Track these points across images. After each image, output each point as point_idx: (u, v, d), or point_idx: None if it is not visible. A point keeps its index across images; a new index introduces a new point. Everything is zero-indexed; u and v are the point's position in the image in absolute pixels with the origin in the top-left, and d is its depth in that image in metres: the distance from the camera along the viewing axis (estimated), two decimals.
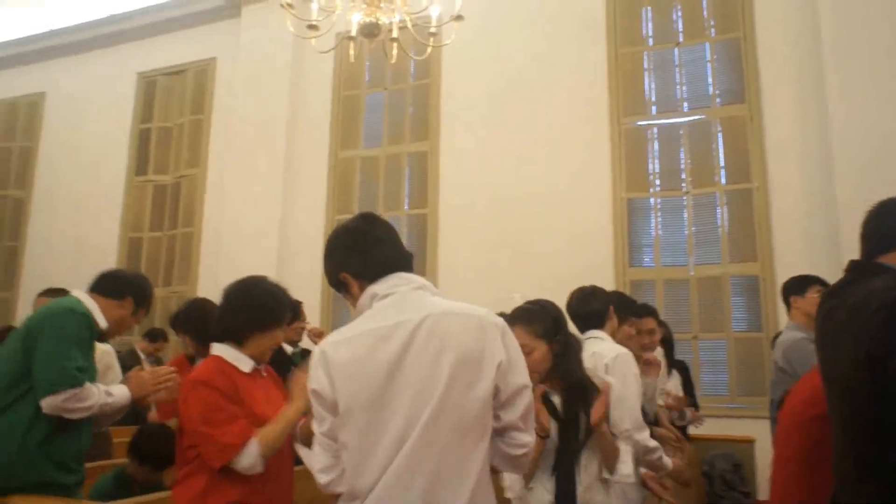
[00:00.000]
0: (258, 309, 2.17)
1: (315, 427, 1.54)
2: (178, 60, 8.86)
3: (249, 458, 1.92)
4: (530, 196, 6.57)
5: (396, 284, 1.56)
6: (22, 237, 9.40)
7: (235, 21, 8.35)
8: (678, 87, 6.44)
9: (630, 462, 2.23)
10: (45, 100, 9.75)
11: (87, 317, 2.34)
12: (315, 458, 1.53)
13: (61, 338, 2.26)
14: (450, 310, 1.53)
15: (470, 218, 6.77)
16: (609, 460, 2.20)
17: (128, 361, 4.86)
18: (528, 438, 1.56)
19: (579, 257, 6.17)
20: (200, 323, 2.75)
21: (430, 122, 7.18)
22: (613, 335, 2.78)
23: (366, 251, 1.61)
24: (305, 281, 7.22)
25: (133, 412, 2.89)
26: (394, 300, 1.54)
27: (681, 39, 6.47)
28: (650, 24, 6.62)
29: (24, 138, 9.79)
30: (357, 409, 1.45)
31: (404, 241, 6.19)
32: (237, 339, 2.13)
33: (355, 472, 1.44)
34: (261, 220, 7.44)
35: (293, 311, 2.31)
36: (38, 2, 9.54)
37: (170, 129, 8.74)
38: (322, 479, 1.52)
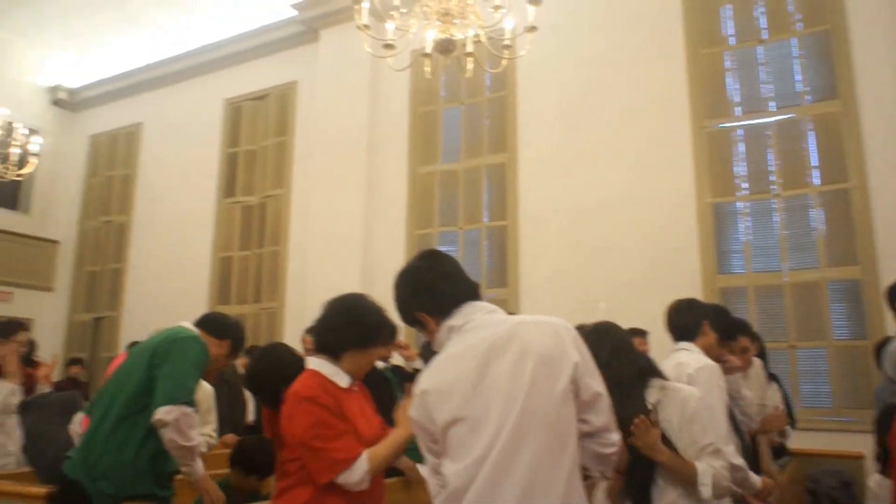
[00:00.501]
0: (359, 326, 2.20)
1: (425, 455, 1.63)
2: (261, 86, 9.22)
3: (358, 473, 1.97)
4: (611, 203, 6.44)
5: (470, 313, 1.66)
6: (125, 259, 9.98)
7: (314, 45, 8.63)
8: (763, 85, 6.20)
9: (709, 483, 2.05)
10: (142, 130, 10.35)
11: (206, 347, 2.48)
12: (430, 486, 1.61)
13: (187, 360, 2.43)
14: (525, 320, 1.64)
15: (550, 227, 6.70)
16: (686, 484, 2.06)
17: (229, 378, 5.00)
18: (617, 437, 1.67)
19: (664, 264, 6.01)
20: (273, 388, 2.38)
21: (506, 134, 7.18)
22: (708, 351, 2.68)
23: (433, 288, 1.71)
24: (386, 295, 7.34)
25: None
26: (472, 327, 1.63)
27: (764, 36, 6.23)
28: (730, 23, 6.41)
29: (124, 167, 10.42)
30: (453, 423, 1.52)
31: (484, 253, 6.21)
32: (334, 353, 2.17)
33: (454, 477, 1.50)
34: (344, 237, 7.61)
35: (391, 331, 2.33)
36: (134, 39, 10.14)
37: (255, 151, 9.09)
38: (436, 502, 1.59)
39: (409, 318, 1.76)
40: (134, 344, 4.35)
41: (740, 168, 6.14)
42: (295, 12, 8.56)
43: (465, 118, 7.57)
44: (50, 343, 10.05)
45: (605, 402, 1.63)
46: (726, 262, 6.06)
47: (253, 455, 2.90)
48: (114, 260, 10.14)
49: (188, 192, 9.49)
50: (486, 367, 1.53)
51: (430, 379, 1.60)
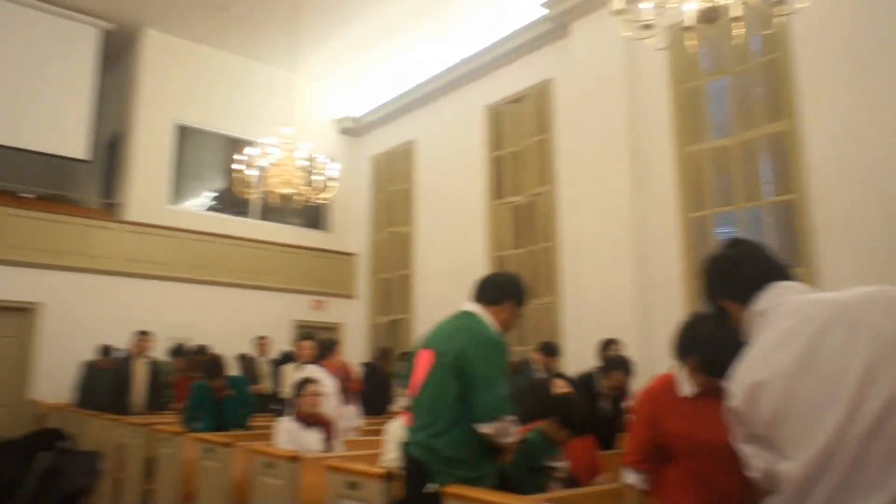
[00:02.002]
0: None
1: (741, 443, 1.54)
2: (517, 88, 9.53)
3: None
4: None
5: (777, 296, 1.57)
6: (411, 265, 10.98)
7: (564, 41, 8.69)
8: None
9: None
10: (415, 145, 11.30)
11: (506, 346, 2.63)
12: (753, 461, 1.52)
13: (496, 368, 2.54)
14: (860, 295, 1.47)
15: (851, 198, 5.92)
16: None
17: (523, 369, 5.23)
18: None
19: None
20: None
21: (784, 100, 6.53)
22: None
23: (731, 276, 1.68)
24: (662, 283, 7.12)
25: None
26: (782, 310, 1.53)
27: None
28: None
29: (403, 181, 11.47)
30: (786, 414, 1.42)
31: (768, 232, 5.68)
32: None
33: (795, 471, 1.39)
34: (614, 227, 7.55)
35: None
36: (403, 65, 11.13)
37: (518, 152, 9.41)
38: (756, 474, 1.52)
39: (716, 308, 1.73)
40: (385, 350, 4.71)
41: None
42: (544, 11, 8.70)
43: (732, 89, 7.04)
44: (356, 343, 11.45)
45: None
46: None
47: (572, 411, 3.05)
48: (401, 267, 11.20)
49: (460, 197, 10.14)
50: (818, 350, 1.42)
51: (756, 369, 1.49)
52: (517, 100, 9.54)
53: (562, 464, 3.05)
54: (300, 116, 10.52)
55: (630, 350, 5.90)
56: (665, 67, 7.48)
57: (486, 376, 2.50)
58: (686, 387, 2.24)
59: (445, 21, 10.00)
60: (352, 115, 12.59)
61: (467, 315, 2.72)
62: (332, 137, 12.54)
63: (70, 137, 10.39)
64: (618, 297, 7.35)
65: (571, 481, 3.14)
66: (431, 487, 2.49)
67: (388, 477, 2.90)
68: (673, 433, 2.22)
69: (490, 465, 2.57)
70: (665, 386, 2.32)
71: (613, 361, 4.87)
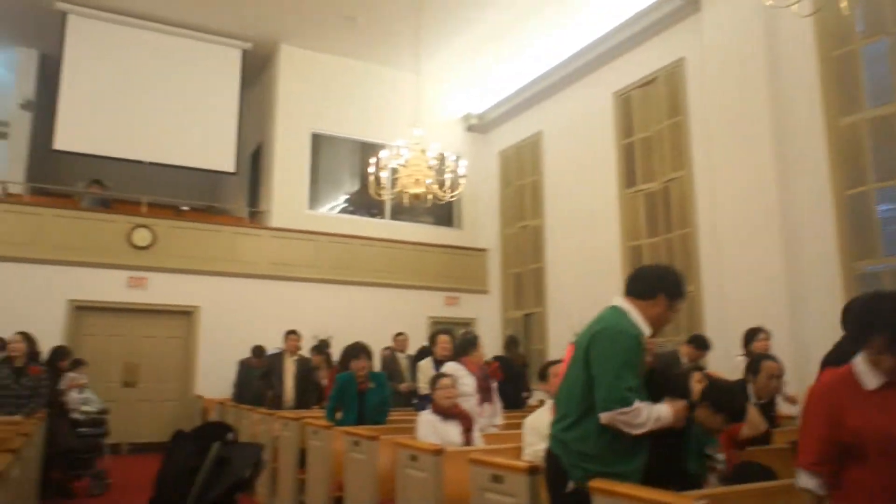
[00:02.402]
0: None
1: None
2: (647, 71, 9.17)
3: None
4: None
5: None
6: (543, 258, 10.89)
7: (696, 17, 8.26)
8: None
9: None
10: (542, 137, 11.19)
11: (636, 338, 2.51)
12: None
13: (613, 358, 2.44)
14: None
15: None
16: None
17: (670, 361, 5.01)
18: None
19: None
20: None
21: None
22: None
23: None
24: (815, 268, 6.61)
25: None
26: None
27: None
28: None
29: (531, 174, 11.39)
30: None
31: None
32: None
33: None
34: (757, 209, 7.08)
35: None
36: (526, 58, 11.06)
37: (650, 137, 9.06)
38: None
39: None
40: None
41: None
42: None
43: (894, 51, 6.40)
44: (490, 338, 11.49)
45: None
46: None
47: (726, 397, 2.91)
48: (533, 260, 11.13)
49: (590, 187, 9.92)
50: None
51: None
52: (647, 83, 9.20)
53: (721, 456, 2.88)
54: (427, 117, 10.72)
55: (779, 341, 5.52)
56: (811, 35, 6.93)
57: (603, 366, 2.44)
58: (871, 377, 2.01)
59: (567, 9, 9.82)
60: (476, 112, 12.67)
61: (611, 309, 2.64)
62: (459, 135, 12.68)
63: (219, 152, 11.20)
64: (764, 284, 6.89)
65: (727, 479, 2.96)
66: (570, 485, 2.45)
67: (533, 471, 2.88)
68: (859, 429, 1.99)
69: (631, 462, 2.46)
70: (844, 378, 2.10)
71: (757, 360, 4.42)
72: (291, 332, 7.62)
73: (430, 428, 4.21)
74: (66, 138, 10.27)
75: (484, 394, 5.14)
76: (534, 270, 11.12)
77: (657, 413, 2.43)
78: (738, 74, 7.48)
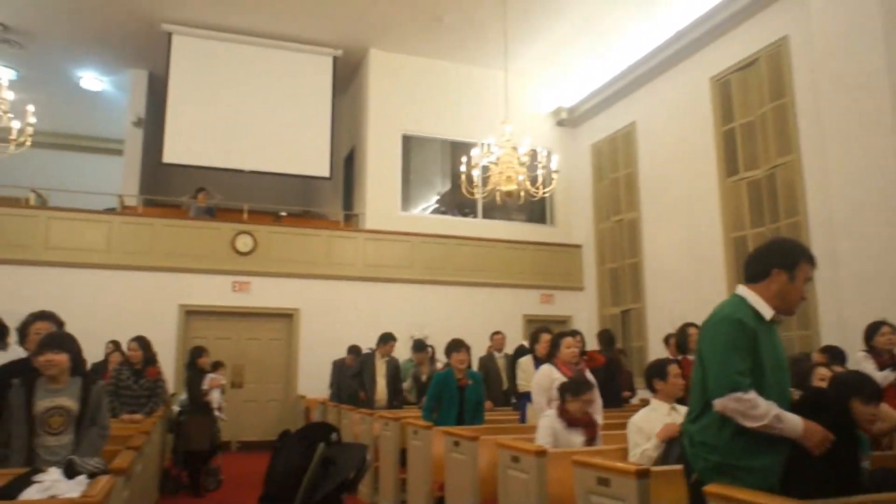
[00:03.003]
0: None
1: None
2: (746, 53, 8.72)
3: None
4: None
5: None
6: (640, 253, 10.57)
7: None
8: None
9: None
10: (636, 128, 10.86)
11: (738, 322, 2.38)
12: None
13: (718, 345, 2.38)
14: None
15: None
16: None
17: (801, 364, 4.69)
18: None
19: None
20: None
21: None
22: None
23: None
24: None
25: None
26: None
27: None
28: None
29: (625, 166, 11.08)
30: None
31: None
32: None
33: None
34: (879, 194, 6.56)
35: None
36: (615, 49, 10.76)
37: (752, 123, 8.61)
38: None
39: None
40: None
41: None
42: None
43: None
44: (586, 336, 11.25)
45: None
46: None
47: (859, 379, 2.82)
48: (630, 255, 10.82)
49: (689, 177, 9.54)
50: None
51: None
52: (746, 65, 8.74)
53: (866, 464, 2.63)
54: (517, 113, 10.62)
55: None
56: None
57: (711, 355, 2.39)
58: None
59: None
60: (567, 106, 12.45)
61: (729, 298, 2.54)
62: (550, 130, 12.51)
63: (313, 158, 11.51)
64: (886, 274, 6.38)
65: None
66: (693, 476, 2.41)
67: (642, 474, 2.77)
68: None
69: (757, 458, 2.32)
70: None
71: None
72: (385, 336, 7.70)
73: (550, 433, 4.07)
74: (173, 151, 10.84)
75: None
76: (631, 265, 10.81)
77: (782, 415, 2.29)
78: (852, 48, 6.95)
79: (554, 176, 8.13)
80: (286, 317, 10.38)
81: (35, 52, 11.48)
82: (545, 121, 12.56)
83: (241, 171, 11.25)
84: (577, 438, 4.08)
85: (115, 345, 7.61)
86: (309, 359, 10.19)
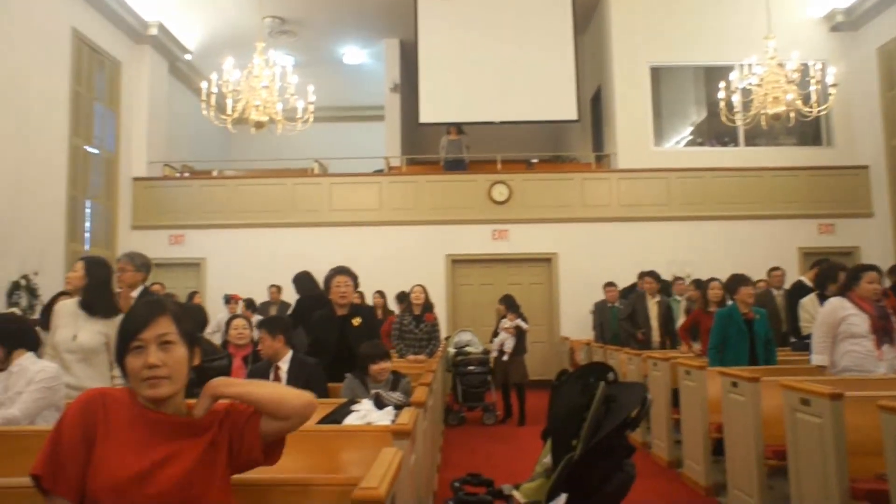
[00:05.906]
0: None
1: None
2: None
3: None
4: None
5: None
6: None
7: None
8: None
9: None
10: None
11: None
12: None
13: None
14: None
15: None
16: None
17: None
18: None
19: None
20: None
21: None
22: None
23: None
24: None
25: None
26: None
27: None
28: None
29: None
30: None
31: None
32: None
33: None
34: None
35: None
36: None
37: None
38: None
39: None
40: None
41: None
42: None
43: None
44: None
45: None
46: None
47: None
48: None
49: None
50: None
51: None
52: None
53: None
54: (780, 25, 9.48)
55: None
56: None
57: None
58: None
59: None
60: (843, 6, 10.84)
61: None
62: (822, 39, 11.03)
63: (560, 101, 11.48)
64: None
65: None
66: None
67: (835, 396, 2.69)
68: None
69: None
70: None
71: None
72: (647, 274, 7.58)
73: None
74: (428, 111, 11.54)
75: (881, 334, 4.47)
76: None
77: None
78: None
79: (831, 91, 7.22)
80: (545, 261, 10.65)
81: (306, 37, 12.87)
82: (816, 28, 11.08)
83: (491, 123, 11.62)
84: None
85: (381, 294, 8.60)
86: (569, 301, 10.39)
